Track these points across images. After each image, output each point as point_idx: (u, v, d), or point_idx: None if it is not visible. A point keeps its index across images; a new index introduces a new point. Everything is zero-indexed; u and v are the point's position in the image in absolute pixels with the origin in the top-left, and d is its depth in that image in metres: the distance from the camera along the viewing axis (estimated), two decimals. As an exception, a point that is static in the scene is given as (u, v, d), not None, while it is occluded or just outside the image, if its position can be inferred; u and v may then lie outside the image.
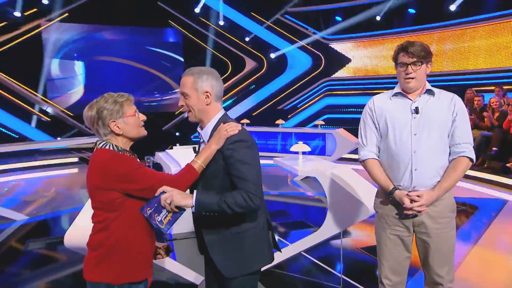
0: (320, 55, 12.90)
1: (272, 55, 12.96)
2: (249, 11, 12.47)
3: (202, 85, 1.84)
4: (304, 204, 6.61)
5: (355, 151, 5.73)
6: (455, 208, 2.17)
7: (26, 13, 10.71)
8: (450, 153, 2.10)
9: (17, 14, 10.53)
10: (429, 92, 2.13)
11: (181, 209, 1.70)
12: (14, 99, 10.90)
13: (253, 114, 12.69)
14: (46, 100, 11.33)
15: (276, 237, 2.12)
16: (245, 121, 9.58)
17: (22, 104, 11.02)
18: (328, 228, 3.38)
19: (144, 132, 1.90)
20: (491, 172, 6.83)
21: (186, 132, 12.11)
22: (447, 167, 2.09)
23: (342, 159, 8.03)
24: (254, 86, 13.13)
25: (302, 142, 4.31)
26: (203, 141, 1.93)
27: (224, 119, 1.88)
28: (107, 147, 1.81)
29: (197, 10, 11.97)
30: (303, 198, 6.85)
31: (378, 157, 2.22)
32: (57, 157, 9.70)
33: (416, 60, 2.02)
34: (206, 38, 12.44)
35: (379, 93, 2.30)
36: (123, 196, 1.75)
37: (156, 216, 1.69)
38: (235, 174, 1.77)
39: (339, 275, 3.53)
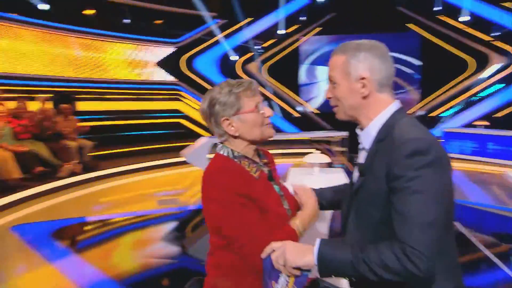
0: None
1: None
2: (497, 1, 10.95)
3: (357, 68, 1.20)
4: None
5: None
6: None
7: (288, 30, 12.81)
8: None
9: (282, 32, 12.79)
10: None
11: (304, 270, 1.13)
12: (277, 99, 13.25)
13: (495, 116, 10.99)
14: (300, 100, 13.23)
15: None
16: (483, 122, 8.70)
17: (281, 102, 13.23)
18: None
19: (269, 133, 1.38)
20: None
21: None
22: None
23: None
24: (504, 84, 11.33)
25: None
26: (363, 147, 1.27)
27: (395, 119, 1.20)
28: (223, 152, 1.38)
29: (436, 8, 11.42)
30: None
31: None
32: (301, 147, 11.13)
33: None
34: (445, 37, 11.69)
35: None
36: None
37: (274, 285, 1.15)
38: (396, 208, 1.07)
39: None
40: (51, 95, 9.19)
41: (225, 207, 1.24)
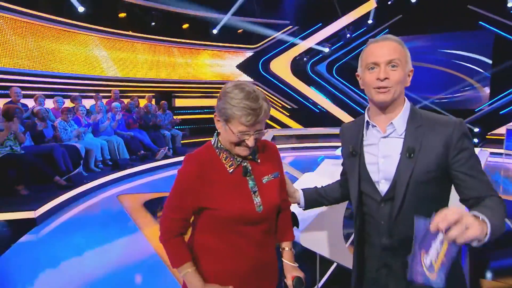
0: None
1: None
2: None
3: (410, 62, 1.24)
4: None
5: None
6: None
7: (355, 34, 12.64)
8: None
9: (348, 36, 12.63)
10: None
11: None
12: (343, 96, 13.22)
13: None
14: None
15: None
16: None
17: (349, 99, 13.13)
18: None
19: (240, 152, 1.28)
20: None
21: (485, 129, 10.85)
22: None
23: None
24: None
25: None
26: (387, 135, 1.25)
27: (413, 108, 1.27)
28: (212, 140, 1.36)
29: (510, 4, 10.25)
30: None
31: None
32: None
33: None
34: None
35: None
36: None
37: (424, 255, 0.90)
38: (468, 173, 1.15)
39: None
40: (153, 94, 10.46)
41: (175, 184, 1.31)
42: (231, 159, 1.32)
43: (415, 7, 11.24)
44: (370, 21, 12.27)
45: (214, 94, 12.47)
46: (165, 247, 1.36)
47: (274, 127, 12.18)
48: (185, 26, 11.69)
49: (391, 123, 1.25)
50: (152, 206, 5.34)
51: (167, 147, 8.37)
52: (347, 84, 13.06)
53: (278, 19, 12.56)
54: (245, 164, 1.35)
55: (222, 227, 1.33)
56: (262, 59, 13.23)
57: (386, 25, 12.08)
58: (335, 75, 13.21)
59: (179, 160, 8.30)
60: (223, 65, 12.79)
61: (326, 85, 13.28)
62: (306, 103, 13.44)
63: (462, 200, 1.21)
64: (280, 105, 13.40)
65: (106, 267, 3.42)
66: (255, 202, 1.32)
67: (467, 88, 11.72)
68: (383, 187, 1.26)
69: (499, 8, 10.47)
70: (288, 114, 13.35)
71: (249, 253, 1.35)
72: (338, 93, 13.19)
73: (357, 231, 1.37)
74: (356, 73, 1.34)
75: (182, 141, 9.33)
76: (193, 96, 12.21)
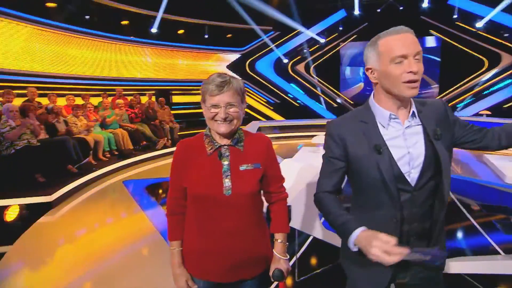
0: None
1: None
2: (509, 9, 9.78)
3: None
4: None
5: None
6: None
7: (328, 39, 12.63)
8: None
9: (323, 40, 12.63)
10: None
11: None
12: (320, 94, 13.25)
13: (505, 107, 10.09)
14: (339, 93, 13.11)
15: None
16: (485, 112, 8.11)
17: (325, 95, 13.21)
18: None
19: (219, 129, 1.23)
20: None
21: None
22: None
23: None
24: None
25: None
26: (407, 127, 1.12)
27: None
28: (206, 129, 1.31)
29: (455, 16, 10.49)
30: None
31: None
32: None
33: None
34: (462, 40, 10.66)
35: None
36: None
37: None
38: (471, 129, 1.17)
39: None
40: (154, 91, 10.32)
41: (172, 164, 1.31)
42: (212, 143, 1.27)
43: (378, 16, 11.32)
44: (340, 28, 12.27)
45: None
46: (167, 221, 1.35)
47: (260, 119, 12.19)
48: (180, 31, 11.49)
49: (413, 112, 1.12)
50: (153, 190, 5.33)
51: (166, 138, 8.32)
52: (322, 82, 13.10)
53: (263, 25, 12.48)
54: (224, 149, 1.26)
55: (195, 207, 1.26)
56: (249, 60, 13.13)
57: (354, 31, 12.11)
58: (311, 73, 13.23)
59: (177, 149, 8.33)
60: (214, 65, 12.66)
61: (304, 82, 13.32)
62: (287, 99, 13.47)
63: (482, 146, 1.16)
64: (265, 100, 13.40)
65: (115, 243, 3.46)
66: (224, 186, 1.22)
67: (430, 87, 11.91)
68: (413, 176, 1.10)
69: (445, 18, 10.64)
70: (272, 108, 13.37)
71: (216, 238, 1.24)
72: (314, 89, 13.23)
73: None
74: (367, 67, 1.14)
75: (179, 133, 9.26)
76: (189, 93, 12.08)
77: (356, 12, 11.52)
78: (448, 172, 1.09)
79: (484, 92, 10.67)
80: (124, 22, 9.91)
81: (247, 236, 1.28)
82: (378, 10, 11.32)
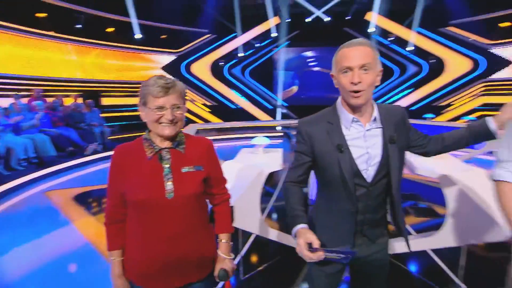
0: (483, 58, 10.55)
1: (431, 61, 11.47)
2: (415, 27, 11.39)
3: (379, 63, 1.18)
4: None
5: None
6: None
7: (262, 44, 13.03)
8: None
9: (257, 45, 13.01)
10: None
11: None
12: (255, 95, 13.51)
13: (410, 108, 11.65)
14: (274, 95, 13.42)
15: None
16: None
17: (260, 97, 13.47)
18: (444, 239, 2.23)
19: (163, 132, 1.20)
20: None
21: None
22: None
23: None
24: (413, 89, 12.05)
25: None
26: (368, 130, 1.22)
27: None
28: (145, 133, 1.27)
29: (370, 30, 11.68)
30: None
31: None
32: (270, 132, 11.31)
33: None
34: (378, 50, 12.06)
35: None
36: None
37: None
38: (419, 134, 1.34)
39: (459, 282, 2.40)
40: (80, 92, 9.45)
41: (109, 170, 1.25)
42: (151, 146, 1.23)
43: (307, 26, 12.03)
44: (274, 34, 12.73)
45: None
46: (105, 231, 1.30)
47: (197, 122, 11.99)
48: (110, 29, 10.73)
49: (374, 118, 1.22)
50: (83, 199, 4.88)
51: (96, 143, 7.68)
52: (258, 85, 13.41)
53: (198, 28, 12.31)
54: (164, 152, 1.23)
55: (136, 213, 1.21)
56: (184, 62, 12.82)
57: (287, 37, 12.62)
58: (247, 76, 13.46)
59: (109, 154, 7.72)
60: (149, 67, 12.11)
61: (240, 85, 13.49)
62: (224, 101, 13.49)
63: (424, 152, 1.33)
64: (201, 103, 13.23)
65: (36, 262, 3.05)
66: (166, 189, 1.19)
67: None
68: (369, 173, 1.22)
69: (363, 31, 11.76)
70: (209, 110, 13.25)
71: (161, 243, 1.19)
72: (250, 92, 13.49)
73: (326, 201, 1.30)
74: (331, 73, 1.26)
75: (112, 137, 8.64)
76: (121, 95, 11.33)
77: (288, 20, 12.08)
78: (397, 171, 1.22)
79: (391, 100, 12.15)
80: (41, 15, 8.87)
81: (192, 239, 1.26)
82: (307, 21, 12.04)
